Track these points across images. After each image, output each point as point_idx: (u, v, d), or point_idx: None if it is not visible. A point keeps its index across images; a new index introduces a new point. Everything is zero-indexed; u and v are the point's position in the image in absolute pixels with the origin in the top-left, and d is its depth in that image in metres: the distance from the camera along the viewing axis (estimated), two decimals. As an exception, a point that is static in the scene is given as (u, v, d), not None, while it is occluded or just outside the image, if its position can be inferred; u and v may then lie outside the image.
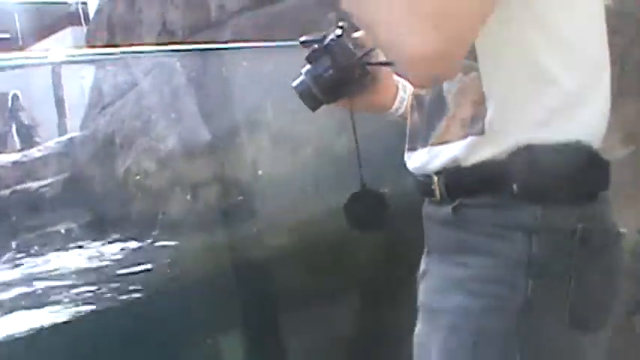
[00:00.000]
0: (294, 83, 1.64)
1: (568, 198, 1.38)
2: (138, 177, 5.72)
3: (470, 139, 1.40)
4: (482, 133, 1.38)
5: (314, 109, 1.66)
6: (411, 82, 1.43)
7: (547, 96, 1.37)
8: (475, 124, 1.39)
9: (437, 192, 1.48)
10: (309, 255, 4.55)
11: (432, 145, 1.47)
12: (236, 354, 4.65)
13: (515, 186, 1.36)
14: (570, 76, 1.38)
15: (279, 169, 5.14)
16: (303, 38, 1.64)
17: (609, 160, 1.44)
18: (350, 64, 1.59)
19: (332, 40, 1.61)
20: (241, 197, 5.07)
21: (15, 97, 8.69)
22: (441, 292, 1.50)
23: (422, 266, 1.59)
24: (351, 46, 1.59)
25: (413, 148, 1.56)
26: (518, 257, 1.37)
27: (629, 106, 3.48)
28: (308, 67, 1.62)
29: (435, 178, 1.48)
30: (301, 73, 1.63)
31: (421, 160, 1.51)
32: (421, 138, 1.53)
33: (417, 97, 1.57)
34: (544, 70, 1.37)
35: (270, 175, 5.13)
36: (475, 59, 1.40)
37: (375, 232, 1.80)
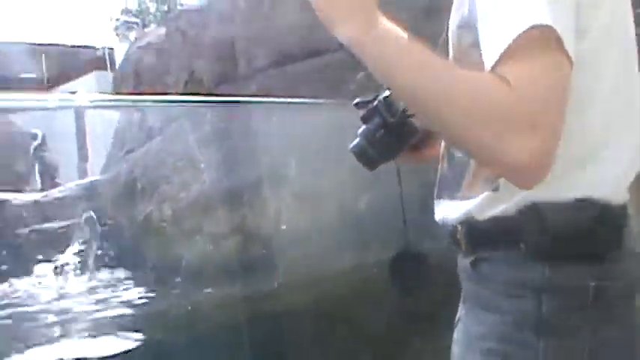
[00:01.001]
0: (351, 145, 1.63)
1: (576, 257, 1.35)
2: (164, 224, 5.73)
3: (485, 194, 1.40)
4: (497, 189, 1.38)
5: (371, 168, 1.65)
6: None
7: (563, 154, 1.31)
8: (493, 182, 1.38)
9: (462, 243, 1.49)
10: (328, 311, 4.56)
11: (459, 199, 1.48)
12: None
13: (522, 245, 1.36)
14: (590, 133, 1.37)
15: (300, 224, 5.16)
16: (356, 100, 1.64)
17: (626, 217, 1.42)
18: (398, 123, 1.59)
19: (380, 100, 1.61)
20: (264, 250, 5.09)
21: (39, 137, 8.78)
22: (463, 347, 1.50)
23: (458, 313, 1.60)
24: (400, 105, 1.58)
25: (439, 197, 1.56)
26: (528, 316, 1.35)
27: None
28: (362, 128, 1.63)
29: (459, 228, 1.48)
30: (357, 135, 1.63)
31: (446, 211, 1.52)
32: (448, 189, 1.53)
33: (447, 148, 1.55)
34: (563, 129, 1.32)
35: (291, 230, 5.15)
36: None
37: (416, 291, 1.82)
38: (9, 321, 5.88)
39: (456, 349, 1.55)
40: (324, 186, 5.26)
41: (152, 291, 5.86)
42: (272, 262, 5.05)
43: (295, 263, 4.94)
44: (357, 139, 1.63)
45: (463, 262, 1.50)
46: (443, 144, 1.59)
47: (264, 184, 5.44)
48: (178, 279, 5.45)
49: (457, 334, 1.56)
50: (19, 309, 6.21)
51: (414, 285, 1.85)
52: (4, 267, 6.88)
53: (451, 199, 1.50)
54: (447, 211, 1.51)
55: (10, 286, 6.78)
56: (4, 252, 7.09)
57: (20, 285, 6.78)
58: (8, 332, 5.51)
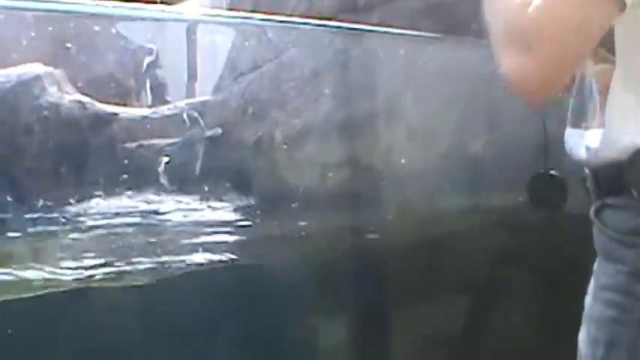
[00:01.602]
0: None
1: None
2: (274, 149, 5.71)
3: (599, 131, 1.38)
4: (602, 126, 1.37)
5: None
6: None
7: None
8: (602, 116, 1.38)
9: (589, 189, 1.49)
10: (436, 250, 4.53)
11: (583, 128, 1.48)
12: (344, 339, 4.64)
13: (634, 191, 1.34)
14: None
15: (417, 161, 5.13)
16: None
17: None
18: None
19: None
20: (381, 182, 5.06)
21: (154, 52, 8.78)
22: (592, 297, 1.50)
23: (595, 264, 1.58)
24: None
25: (569, 124, 1.57)
26: None
27: None
28: None
29: (587, 172, 1.48)
30: None
31: (573, 140, 1.52)
32: (575, 117, 1.53)
33: (580, 76, 1.53)
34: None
35: (404, 166, 5.12)
36: (611, 51, 1.35)
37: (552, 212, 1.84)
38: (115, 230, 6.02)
39: (587, 300, 1.53)
40: (442, 123, 5.20)
41: (257, 215, 5.89)
42: (385, 196, 5.02)
43: (411, 199, 4.91)
44: None
45: (591, 210, 1.49)
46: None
47: (382, 116, 5.38)
48: (285, 205, 5.47)
49: (591, 285, 1.54)
50: (123, 220, 6.34)
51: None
52: (110, 179, 7.00)
53: (577, 127, 1.51)
54: (574, 140, 1.50)
55: (115, 198, 6.89)
56: (111, 165, 7.22)
57: (125, 198, 6.89)
58: (112, 244, 5.63)
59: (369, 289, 4.44)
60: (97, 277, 4.56)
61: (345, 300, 4.49)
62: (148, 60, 8.89)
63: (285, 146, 5.77)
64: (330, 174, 5.31)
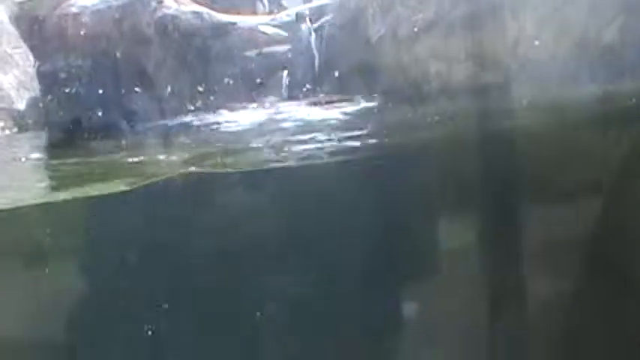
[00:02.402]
0: None
1: None
2: (396, 46, 5.54)
3: None
4: None
5: None
6: None
7: None
8: None
9: None
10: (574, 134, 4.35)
11: None
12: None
13: None
14: None
15: (546, 46, 4.91)
16: None
17: None
18: None
19: None
20: (513, 68, 4.88)
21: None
22: None
23: None
24: None
25: None
26: None
27: None
28: None
29: None
30: None
31: None
32: None
33: None
34: None
35: (537, 49, 4.92)
36: None
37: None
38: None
39: None
40: (568, 14, 4.96)
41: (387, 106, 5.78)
42: (518, 82, 4.84)
43: (544, 85, 4.72)
44: None
45: None
46: None
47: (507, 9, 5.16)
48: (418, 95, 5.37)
49: None
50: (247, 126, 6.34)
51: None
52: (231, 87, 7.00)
53: None
54: None
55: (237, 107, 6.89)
56: (232, 72, 7.20)
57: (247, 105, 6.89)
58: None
59: (507, 170, 4.32)
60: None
61: (484, 180, 4.40)
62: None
63: (410, 41, 5.63)
64: (452, 67, 5.15)
